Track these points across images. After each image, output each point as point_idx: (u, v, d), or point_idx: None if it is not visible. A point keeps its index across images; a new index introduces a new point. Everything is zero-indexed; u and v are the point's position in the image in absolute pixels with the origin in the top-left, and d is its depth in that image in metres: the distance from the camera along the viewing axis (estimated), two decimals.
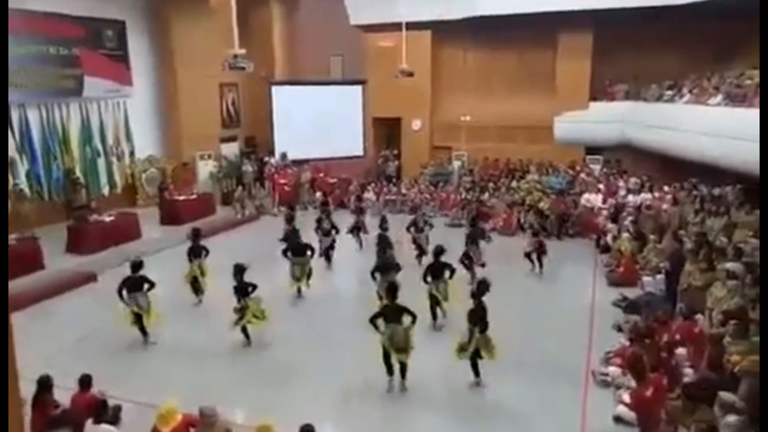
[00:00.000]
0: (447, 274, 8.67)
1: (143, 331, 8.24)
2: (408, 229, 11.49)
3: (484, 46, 17.73)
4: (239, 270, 8.26)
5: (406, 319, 6.91)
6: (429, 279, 8.61)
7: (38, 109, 12.72)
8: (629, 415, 6.17)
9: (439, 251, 8.77)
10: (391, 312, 6.90)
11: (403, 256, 10.67)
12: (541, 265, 11.11)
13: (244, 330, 8.19)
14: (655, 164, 14.69)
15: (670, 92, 14.66)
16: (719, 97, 12.21)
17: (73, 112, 13.48)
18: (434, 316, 8.71)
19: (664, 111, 14.08)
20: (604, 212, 13.49)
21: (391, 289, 7.05)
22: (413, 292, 9.19)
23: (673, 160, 13.14)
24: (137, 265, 8.33)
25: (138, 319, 8.15)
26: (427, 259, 10.85)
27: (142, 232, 12.81)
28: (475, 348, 6.91)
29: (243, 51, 10.67)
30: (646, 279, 10.04)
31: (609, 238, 12.17)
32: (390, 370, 6.96)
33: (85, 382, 6.10)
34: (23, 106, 12.29)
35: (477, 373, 7.04)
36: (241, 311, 8.12)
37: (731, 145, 10.25)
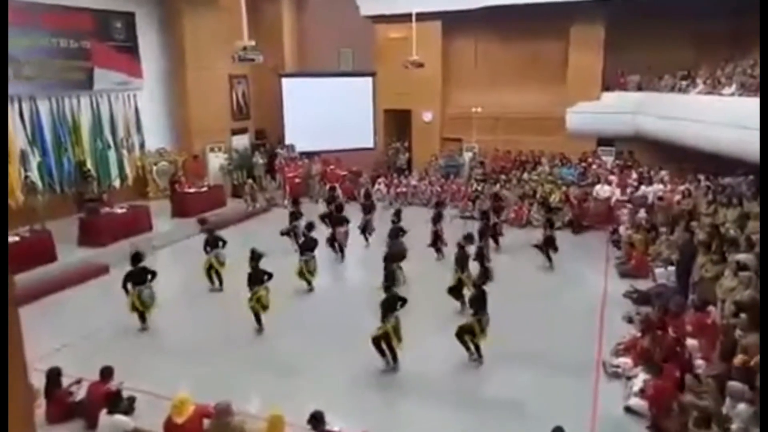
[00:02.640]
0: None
1: (142, 319, 8.43)
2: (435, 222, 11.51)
3: (496, 37, 17.57)
4: (256, 256, 8.44)
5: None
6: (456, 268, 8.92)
7: (49, 102, 12.76)
8: (640, 406, 6.15)
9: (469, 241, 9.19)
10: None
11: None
12: (549, 259, 11.04)
13: (257, 316, 8.34)
14: (668, 155, 14.53)
15: (683, 82, 14.47)
16: (733, 87, 12.05)
17: (83, 104, 13.52)
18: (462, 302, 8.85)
19: (677, 101, 13.91)
20: (627, 205, 13.24)
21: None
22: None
23: (687, 150, 12.99)
24: (137, 257, 8.44)
25: (135, 309, 8.35)
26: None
27: (154, 224, 12.87)
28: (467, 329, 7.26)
29: (253, 43, 10.65)
30: (658, 270, 9.97)
31: (622, 229, 12.08)
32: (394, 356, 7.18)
33: (106, 373, 6.19)
34: (34, 99, 12.34)
35: (470, 352, 7.34)
36: (251, 297, 8.30)
37: (745, 135, 10.11)
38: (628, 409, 6.25)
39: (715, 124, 11.48)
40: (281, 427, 5.15)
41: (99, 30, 13.74)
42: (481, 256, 9.68)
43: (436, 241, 11.29)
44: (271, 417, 5.19)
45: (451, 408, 6.48)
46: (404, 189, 16.42)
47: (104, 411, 5.52)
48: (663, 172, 14.07)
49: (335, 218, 11.56)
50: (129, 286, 8.25)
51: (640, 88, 16.01)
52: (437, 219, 11.46)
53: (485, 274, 7.59)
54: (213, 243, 9.88)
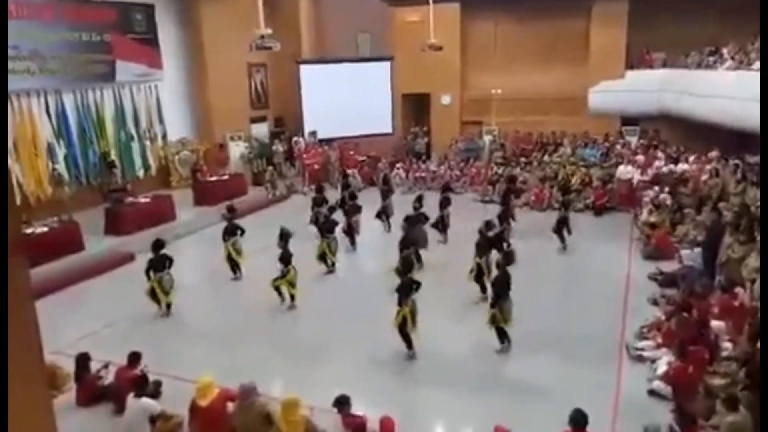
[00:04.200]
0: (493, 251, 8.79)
1: (160, 305, 8.58)
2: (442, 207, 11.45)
3: (515, 17, 17.28)
4: (285, 237, 8.65)
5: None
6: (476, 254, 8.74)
7: (73, 95, 12.98)
8: (665, 389, 6.07)
9: (489, 228, 9.03)
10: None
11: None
12: (562, 240, 10.92)
13: (278, 289, 8.59)
14: (695, 134, 14.17)
15: (711, 58, 14.06)
16: None
17: (106, 96, 13.73)
18: (482, 288, 8.75)
19: (705, 78, 13.52)
20: (654, 187, 12.87)
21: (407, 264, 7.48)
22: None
23: (714, 128, 12.64)
24: (159, 244, 8.59)
25: (154, 295, 8.50)
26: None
27: (177, 213, 13.06)
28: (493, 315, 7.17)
29: (269, 31, 10.68)
30: (684, 252, 9.78)
31: (645, 212, 11.87)
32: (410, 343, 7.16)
33: (134, 358, 6.34)
34: (59, 93, 12.57)
35: (501, 339, 7.24)
36: (282, 275, 8.55)
37: None
38: (652, 393, 6.18)
39: (745, 100, 11.13)
40: (295, 410, 5.22)
41: (120, 23, 13.88)
42: (501, 241, 9.61)
43: (443, 226, 11.26)
44: (285, 401, 5.27)
45: (472, 392, 6.48)
46: (423, 174, 16.34)
47: (131, 395, 5.65)
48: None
49: (350, 207, 11.56)
50: (151, 272, 8.43)
51: (665, 65, 15.61)
52: (444, 203, 11.40)
53: (508, 256, 7.50)
54: (231, 231, 9.99)
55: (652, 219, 11.07)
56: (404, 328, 7.11)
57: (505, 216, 10.75)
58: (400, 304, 7.07)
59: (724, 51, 13.67)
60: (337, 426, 5.21)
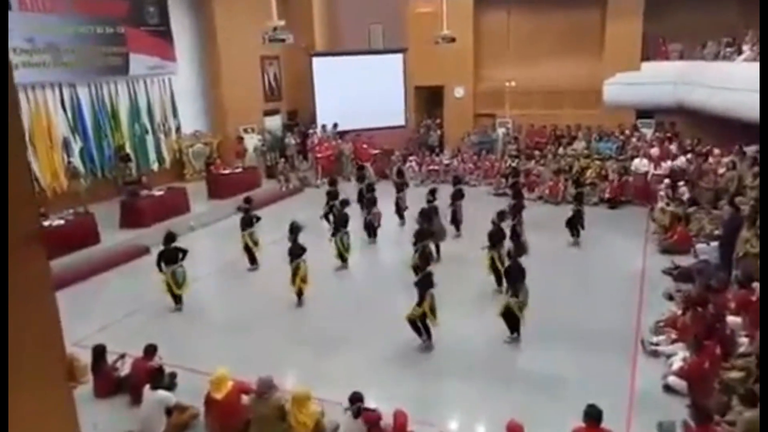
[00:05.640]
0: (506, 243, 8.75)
1: (175, 298, 8.61)
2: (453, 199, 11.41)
3: (529, 8, 17.11)
4: (295, 230, 8.59)
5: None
6: (489, 245, 8.70)
7: (88, 88, 13.06)
8: (680, 384, 6.03)
9: (502, 218, 9.05)
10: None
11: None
12: (577, 234, 10.86)
13: (299, 290, 8.57)
14: (711, 127, 13.96)
15: (729, 49, 13.82)
16: None
17: (120, 89, 13.80)
18: (498, 280, 8.71)
19: (722, 70, 13.30)
20: (666, 180, 12.75)
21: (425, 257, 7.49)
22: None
23: (732, 122, 12.44)
24: (170, 238, 8.61)
25: (170, 288, 8.52)
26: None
27: (191, 206, 13.13)
28: (508, 306, 7.17)
29: (282, 23, 10.67)
30: (699, 246, 9.68)
31: (661, 205, 11.74)
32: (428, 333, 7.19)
33: (150, 350, 6.41)
34: (74, 86, 12.66)
35: (511, 330, 7.24)
36: (294, 272, 8.49)
37: None
38: (667, 388, 6.14)
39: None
40: (306, 404, 5.26)
41: (133, 15, 13.91)
42: (514, 234, 9.57)
43: (456, 219, 11.20)
44: (295, 394, 5.31)
45: (486, 385, 6.47)
46: (436, 167, 16.28)
47: (148, 386, 5.72)
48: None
49: (368, 200, 11.55)
50: (163, 265, 8.45)
51: (681, 57, 15.37)
52: (456, 196, 11.32)
53: (520, 247, 7.48)
54: (248, 222, 10.04)
55: (670, 209, 10.92)
56: (416, 322, 7.12)
57: (516, 209, 10.67)
58: (421, 298, 7.03)
59: (744, 40, 13.43)
60: (350, 421, 5.23)
